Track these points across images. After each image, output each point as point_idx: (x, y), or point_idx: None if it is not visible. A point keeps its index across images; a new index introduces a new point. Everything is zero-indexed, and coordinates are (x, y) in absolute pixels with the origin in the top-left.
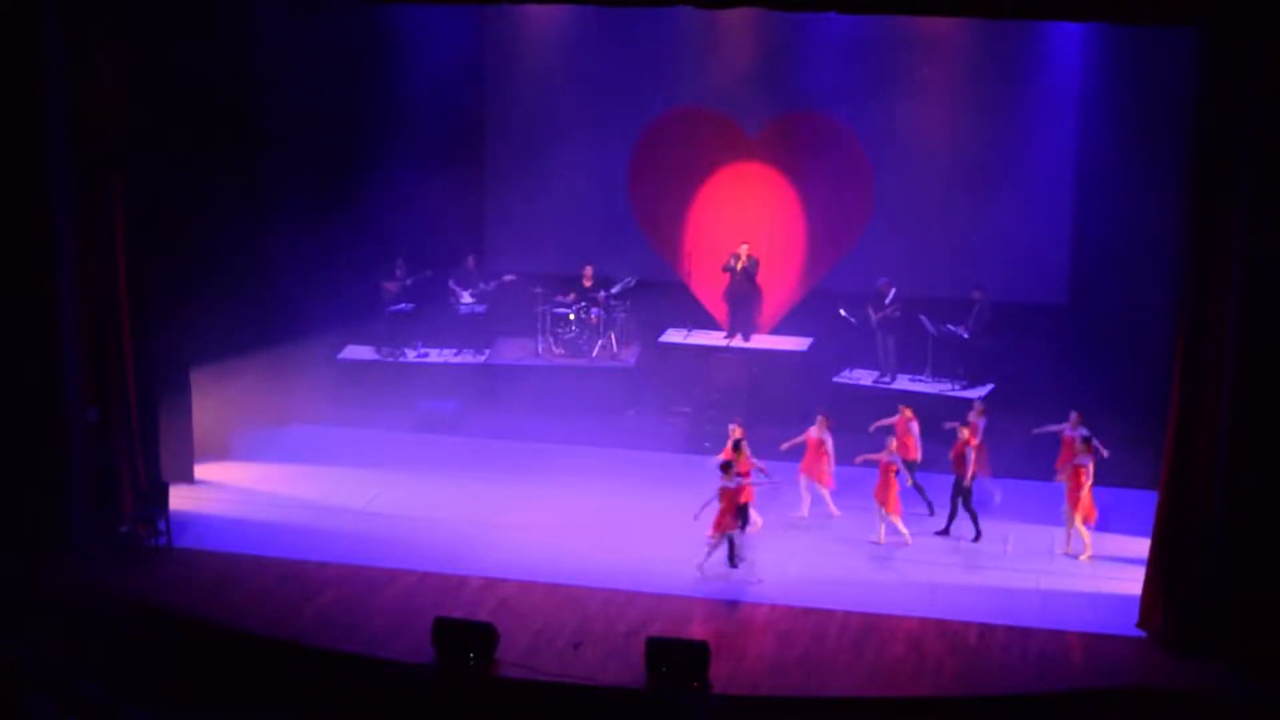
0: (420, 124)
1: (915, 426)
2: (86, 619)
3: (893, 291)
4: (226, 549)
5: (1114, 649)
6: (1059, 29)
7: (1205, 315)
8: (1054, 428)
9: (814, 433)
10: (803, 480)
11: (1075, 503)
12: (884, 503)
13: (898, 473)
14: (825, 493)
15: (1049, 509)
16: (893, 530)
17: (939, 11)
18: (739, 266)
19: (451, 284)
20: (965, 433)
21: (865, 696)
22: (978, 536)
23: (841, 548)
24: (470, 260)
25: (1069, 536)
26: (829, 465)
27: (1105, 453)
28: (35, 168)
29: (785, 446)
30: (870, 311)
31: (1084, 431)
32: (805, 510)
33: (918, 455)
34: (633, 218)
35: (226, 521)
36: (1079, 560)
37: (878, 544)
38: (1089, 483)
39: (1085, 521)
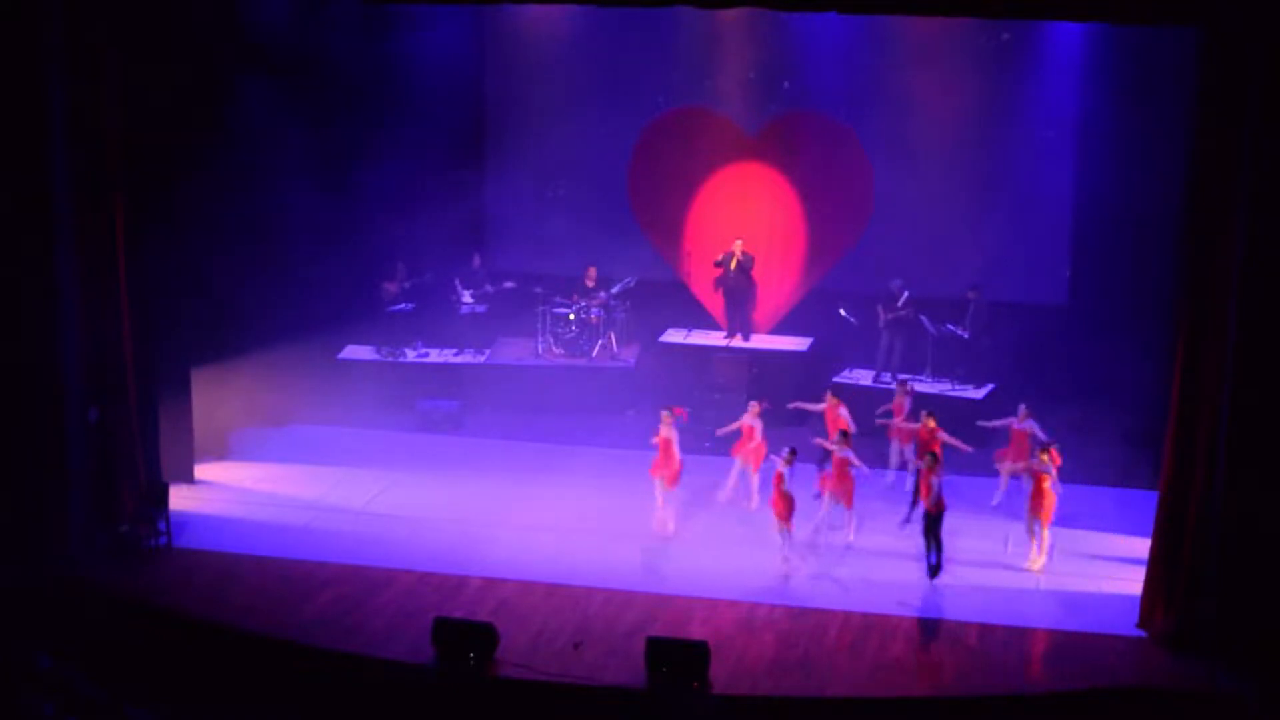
0: (420, 124)
1: (844, 411)
2: (86, 619)
3: (905, 294)
4: (226, 549)
5: (1114, 649)
6: (1059, 29)
7: (1205, 315)
8: (1001, 422)
9: (747, 420)
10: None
11: (1039, 510)
12: (845, 498)
13: (854, 466)
14: (754, 481)
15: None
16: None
17: (939, 11)
18: (733, 263)
19: (456, 282)
20: (931, 422)
21: (865, 696)
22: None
23: (841, 548)
24: (476, 259)
25: (1040, 548)
26: (762, 451)
27: (1058, 460)
28: (36, 167)
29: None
30: (881, 311)
31: (1036, 428)
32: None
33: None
34: (633, 218)
35: (226, 521)
36: (1032, 569)
37: (851, 542)
38: (1053, 487)
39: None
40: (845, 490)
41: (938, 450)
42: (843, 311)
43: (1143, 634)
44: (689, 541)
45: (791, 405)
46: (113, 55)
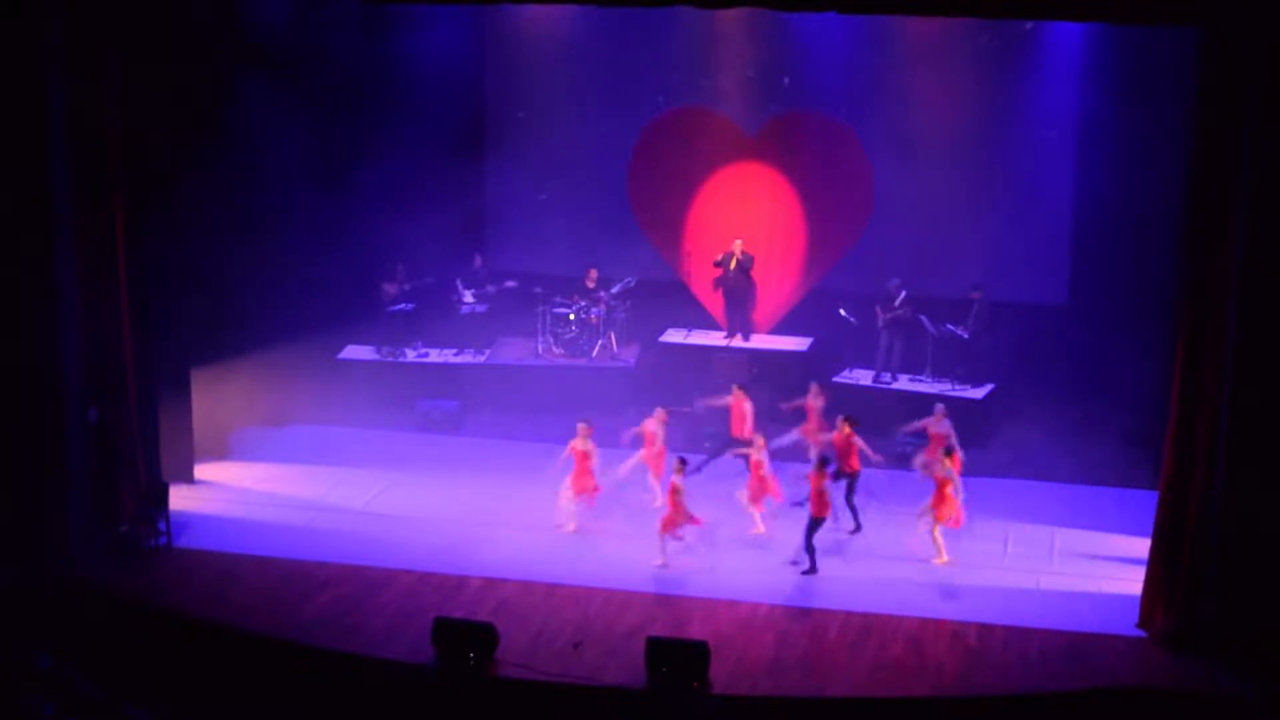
0: (420, 123)
1: (748, 406)
2: (86, 619)
3: (903, 294)
4: (226, 549)
5: (1114, 649)
6: (1059, 29)
7: (1205, 315)
8: (919, 423)
9: (650, 425)
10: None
11: (938, 509)
12: (754, 498)
13: (765, 468)
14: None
15: (1049, 509)
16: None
17: (939, 11)
18: (733, 263)
19: (457, 282)
20: (847, 428)
21: (865, 696)
22: (858, 529)
23: (841, 548)
24: (477, 259)
25: (939, 549)
26: (662, 456)
27: (958, 465)
28: (36, 167)
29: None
30: (879, 311)
31: (950, 429)
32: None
33: (744, 434)
34: (633, 218)
35: (226, 521)
36: (934, 564)
37: (760, 534)
38: (954, 492)
39: (951, 524)
40: (758, 490)
41: (855, 459)
42: (843, 311)
43: (1143, 634)
44: (688, 542)
45: (734, 454)
46: (113, 55)
